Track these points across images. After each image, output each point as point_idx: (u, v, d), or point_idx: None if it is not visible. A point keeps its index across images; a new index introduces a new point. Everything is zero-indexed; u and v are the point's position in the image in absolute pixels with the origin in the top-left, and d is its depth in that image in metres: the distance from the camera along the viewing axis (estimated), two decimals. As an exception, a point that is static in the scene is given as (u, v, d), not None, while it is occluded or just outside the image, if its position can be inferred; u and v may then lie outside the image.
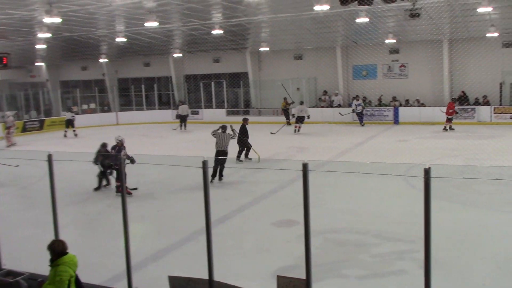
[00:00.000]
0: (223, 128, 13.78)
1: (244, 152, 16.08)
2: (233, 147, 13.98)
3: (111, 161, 12.14)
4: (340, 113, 25.99)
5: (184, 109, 27.37)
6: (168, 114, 31.00)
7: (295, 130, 23.46)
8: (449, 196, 10.60)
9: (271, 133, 17.59)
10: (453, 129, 22.26)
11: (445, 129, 22.38)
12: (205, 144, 20.48)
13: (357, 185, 11.84)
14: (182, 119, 26.90)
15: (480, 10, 18.35)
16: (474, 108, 24.65)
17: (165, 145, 20.88)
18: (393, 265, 7.27)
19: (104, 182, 12.59)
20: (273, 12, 21.03)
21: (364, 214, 9.86)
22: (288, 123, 25.04)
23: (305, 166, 5.39)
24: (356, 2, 11.24)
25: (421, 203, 4.89)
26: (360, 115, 25.38)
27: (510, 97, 25.07)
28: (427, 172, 4.86)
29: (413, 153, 16.09)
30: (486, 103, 24.81)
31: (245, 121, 16.56)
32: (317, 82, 29.55)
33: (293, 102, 25.59)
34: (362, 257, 7.61)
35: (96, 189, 12.48)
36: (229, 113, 30.06)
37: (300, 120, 23.65)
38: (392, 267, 7.19)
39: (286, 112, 26.38)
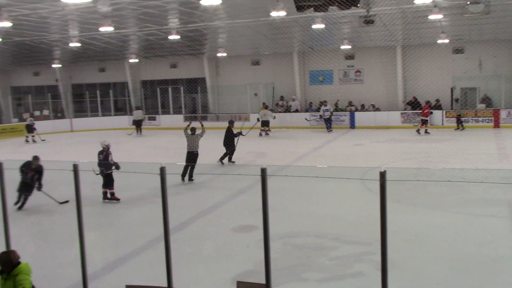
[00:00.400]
0: (192, 130, 14.00)
1: (228, 155, 16.23)
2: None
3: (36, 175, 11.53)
4: (306, 119, 26.22)
5: (138, 114, 27.50)
6: (125, 120, 30.55)
7: (260, 134, 23.60)
8: (404, 198, 10.84)
9: (241, 135, 17.62)
10: (429, 133, 22.60)
11: (418, 131, 22.79)
12: (163, 150, 20.34)
13: (315, 189, 11.96)
14: (138, 124, 26.99)
15: (431, 17, 18.94)
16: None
17: (122, 152, 20.46)
18: (351, 267, 7.37)
19: (22, 199, 11.41)
20: (230, 17, 21.07)
21: (322, 218, 9.95)
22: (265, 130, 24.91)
23: (263, 171, 5.40)
24: (312, 8, 11.35)
25: (377, 206, 4.98)
26: (329, 121, 25.07)
27: (460, 101, 25.90)
28: (382, 175, 4.94)
29: (369, 157, 16.39)
30: (439, 106, 25.57)
31: (231, 123, 16.84)
32: (275, 88, 29.76)
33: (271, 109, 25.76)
34: (321, 261, 7.68)
35: (19, 207, 11.36)
36: (186, 118, 29.79)
37: (265, 124, 23.88)
38: (350, 270, 7.28)
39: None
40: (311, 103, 28.56)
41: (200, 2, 15.72)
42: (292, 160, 16.61)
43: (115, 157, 12.15)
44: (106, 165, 11.62)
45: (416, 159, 15.91)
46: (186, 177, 13.57)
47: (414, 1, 16.58)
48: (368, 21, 18.11)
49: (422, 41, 25.23)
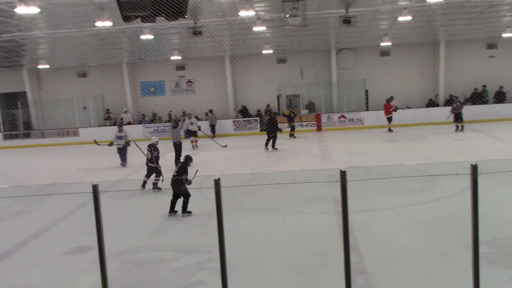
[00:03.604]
0: (175, 123, 17.50)
1: (270, 142, 19.43)
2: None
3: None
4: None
5: None
6: None
7: (193, 146, 21.77)
8: (239, 203, 11.17)
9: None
10: (391, 130, 23.31)
11: (389, 130, 23.36)
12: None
13: (152, 201, 11.76)
14: None
15: (256, 29, 19.95)
16: (257, 119, 26.57)
17: None
18: (193, 277, 7.35)
19: None
20: (51, 27, 19.80)
21: (160, 230, 9.80)
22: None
23: (95, 188, 5.16)
24: (139, 19, 11.17)
25: (215, 213, 5.02)
26: (123, 151, 18.06)
27: (287, 108, 27.65)
28: (217, 182, 5.03)
29: (205, 165, 16.59)
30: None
31: (275, 115, 20.94)
32: (104, 100, 28.68)
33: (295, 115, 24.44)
34: (162, 274, 7.54)
35: None
36: (6, 137, 27.39)
37: (193, 134, 22.12)
38: (191, 279, 7.26)
39: (290, 120, 23.97)
40: (143, 114, 28.13)
41: (15, 10, 14.51)
42: (125, 174, 16.13)
43: None
44: (152, 159, 13.17)
45: (250, 165, 16.54)
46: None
47: (239, 14, 17.28)
48: (196, 32, 18.44)
49: (249, 51, 26.43)
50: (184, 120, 22.53)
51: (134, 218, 10.91)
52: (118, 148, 17.92)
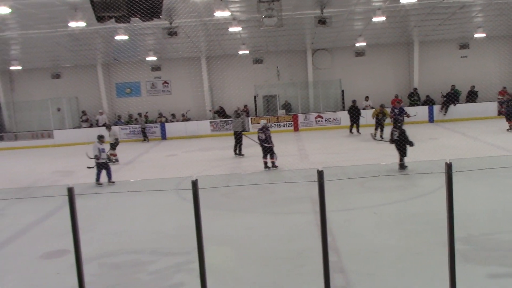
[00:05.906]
0: (237, 114, 18.99)
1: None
2: None
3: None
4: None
5: None
6: None
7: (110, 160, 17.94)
8: (218, 204, 11.15)
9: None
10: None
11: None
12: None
13: (129, 204, 11.64)
14: None
15: (232, 29, 19.90)
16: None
17: None
18: (171, 279, 7.31)
19: None
20: (23, 28, 19.41)
21: (138, 233, 9.71)
22: (381, 136, 20.69)
23: (70, 191, 5.09)
24: (114, 19, 11.05)
25: (193, 215, 5.00)
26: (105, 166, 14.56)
27: (264, 108, 27.75)
28: (194, 184, 5.01)
29: (182, 167, 16.54)
30: (247, 111, 27.03)
31: (354, 102, 22.53)
32: (79, 102, 28.31)
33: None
34: (139, 276, 7.47)
35: None
36: (-21, 140, 26.81)
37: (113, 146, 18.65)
38: (170, 281, 7.21)
39: (378, 121, 21.27)
40: (119, 116, 27.84)
41: (-15, 10, 14.22)
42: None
43: None
44: (266, 139, 15.01)
45: (227, 166, 16.51)
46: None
47: (214, 14, 17.23)
48: (172, 32, 18.31)
49: (225, 52, 26.39)
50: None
51: (110, 220, 10.80)
52: (99, 164, 14.27)
